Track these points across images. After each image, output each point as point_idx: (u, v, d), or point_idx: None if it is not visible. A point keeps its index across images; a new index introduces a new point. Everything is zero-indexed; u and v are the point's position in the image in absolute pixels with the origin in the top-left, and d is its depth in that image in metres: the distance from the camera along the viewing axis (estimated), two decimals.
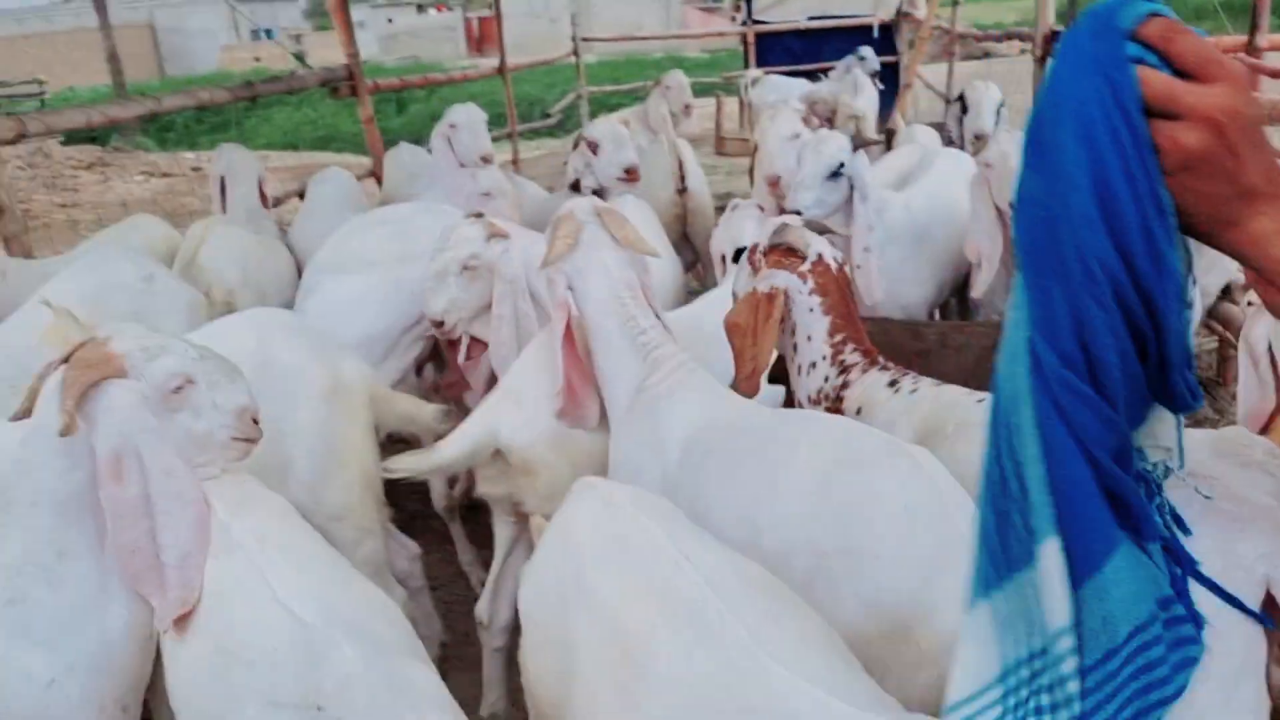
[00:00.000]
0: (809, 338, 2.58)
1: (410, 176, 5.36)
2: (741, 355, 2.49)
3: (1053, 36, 5.82)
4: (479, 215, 3.15)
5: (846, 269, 2.72)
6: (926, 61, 13.74)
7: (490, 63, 10.18)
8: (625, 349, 2.40)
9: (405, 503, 4.16)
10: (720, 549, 1.59)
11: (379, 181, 6.64)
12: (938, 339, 3.76)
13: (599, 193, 4.30)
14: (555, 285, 2.48)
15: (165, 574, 1.62)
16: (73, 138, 18.65)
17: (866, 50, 8.31)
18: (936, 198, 4.06)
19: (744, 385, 2.43)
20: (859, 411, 2.52)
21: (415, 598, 3.06)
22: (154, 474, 1.67)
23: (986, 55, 17.72)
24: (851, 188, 3.56)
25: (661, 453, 2.24)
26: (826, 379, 2.60)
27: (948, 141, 5.18)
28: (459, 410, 3.66)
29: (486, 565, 3.76)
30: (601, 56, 26.21)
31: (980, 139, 4.97)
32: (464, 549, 3.66)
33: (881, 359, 2.68)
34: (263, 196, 4.65)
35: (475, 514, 4.27)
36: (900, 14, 10.66)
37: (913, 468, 1.81)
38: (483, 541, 3.99)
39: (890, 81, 9.83)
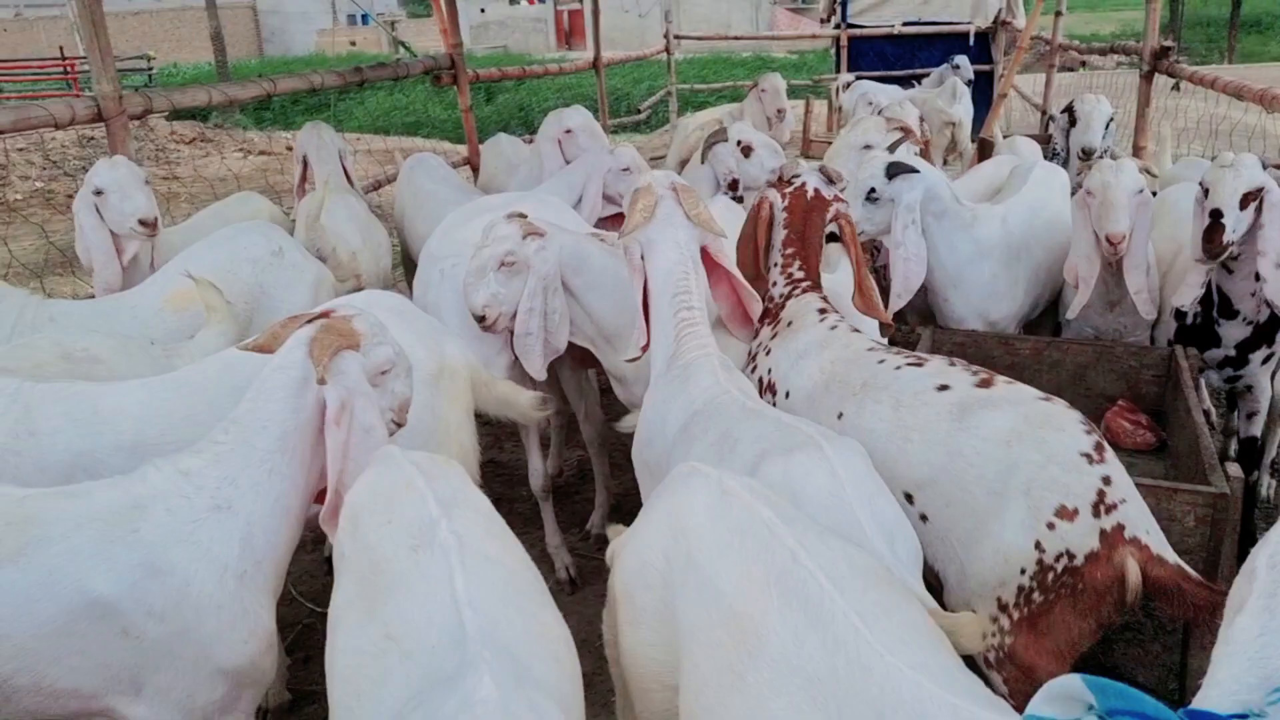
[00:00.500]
0: (771, 246, 3.14)
1: (509, 166, 5.47)
2: (743, 261, 3.08)
3: (1161, 52, 5.70)
4: (521, 215, 3.21)
5: (837, 204, 3.17)
6: (1019, 72, 13.53)
7: (583, 56, 10.28)
8: (668, 320, 2.70)
9: (491, 484, 4.28)
10: (831, 538, 1.64)
11: (474, 169, 6.79)
12: (1031, 353, 3.74)
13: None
14: (631, 253, 2.79)
15: (339, 495, 2.01)
16: (176, 114, 19.34)
17: (961, 59, 8.23)
18: (1035, 213, 4.02)
19: (755, 284, 2.99)
20: (790, 324, 2.94)
21: None
22: (357, 427, 2.07)
23: (1084, 65, 17.33)
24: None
25: (665, 425, 2.52)
26: (775, 284, 3.10)
27: (1051, 155, 5.08)
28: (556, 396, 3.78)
29: (573, 550, 3.87)
30: (688, 54, 26.24)
31: (1088, 153, 4.90)
32: (552, 532, 3.75)
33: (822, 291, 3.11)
34: (346, 174, 4.87)
35: (565, 497, 4.39)
36: (999, 22, 10.50)
37: (822, 459, 2.06)
38: (569, 525, 4.10)
39: (984, 91, 9.71)
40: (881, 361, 2.63)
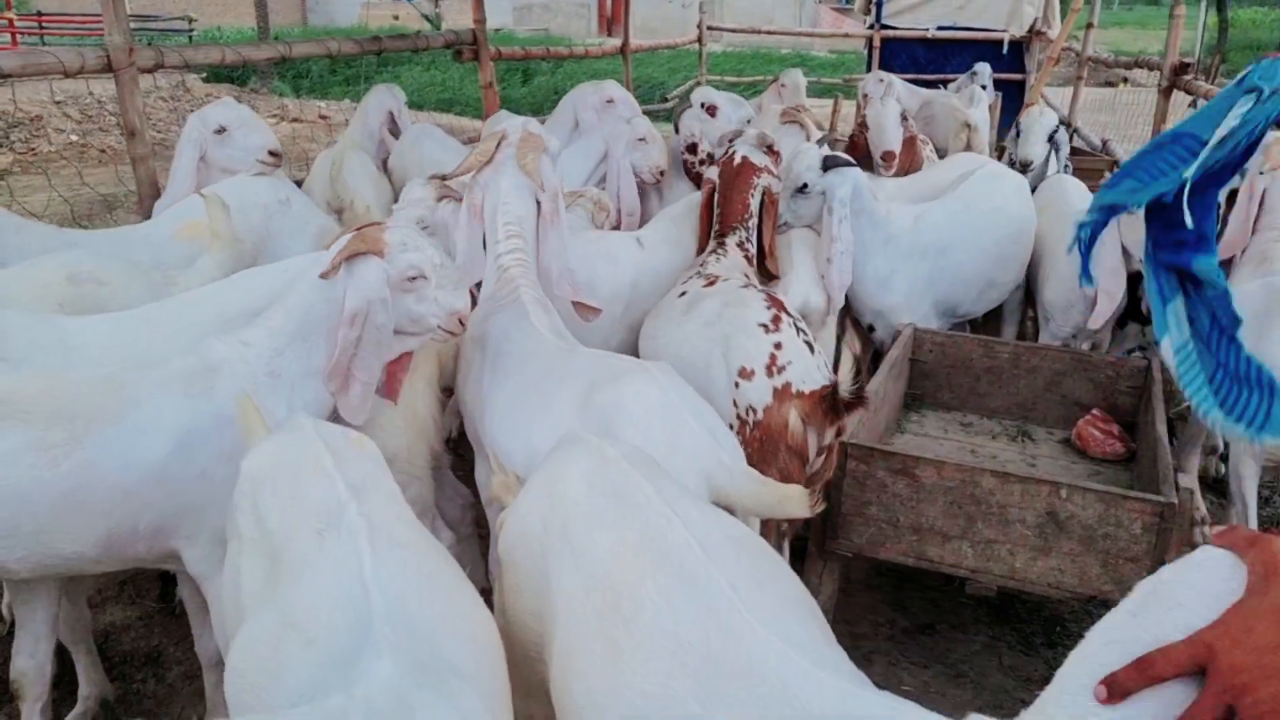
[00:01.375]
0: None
1: None
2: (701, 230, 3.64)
3: (1181, 68, 5.65)
4: (439, 177, 3.19)
5: (767, 175, 3.54)
6: (1058, 84, 13.37)
7: (614, 42, 10.29)
8: (492, 260, 2.92)
9: (467, 452, 4.32)
10: (707, 509, 1.67)
11: None
12: (1010, 358, 3.75)
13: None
14: (473, 195, 2.98)
15: (351, 389, 2.39)
16: (215, 76, 19.51)
17: (981, 66, 8.17)
18: (962, 215, 4.01)
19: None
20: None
21: (463, 544, 3.19)
22: (369, 330, 2.37)
23: (1125, 82, 17.08)
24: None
25: (483, 352, 2.73)
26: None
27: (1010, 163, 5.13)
28: None
29: None
30: (728, 47, 26.11)
31: (1024, 166, 4.90)
32: None
33: (739, 251, 3.43)
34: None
35: None
36: (1034, 32, 10.39)
37: (649, 378, 2.33)
38: None
39: (1015, 99, 9.62)
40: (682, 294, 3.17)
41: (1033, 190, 4.73)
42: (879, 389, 3.33)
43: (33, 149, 13.35)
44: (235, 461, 2.03)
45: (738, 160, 3.53)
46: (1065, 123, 5.34)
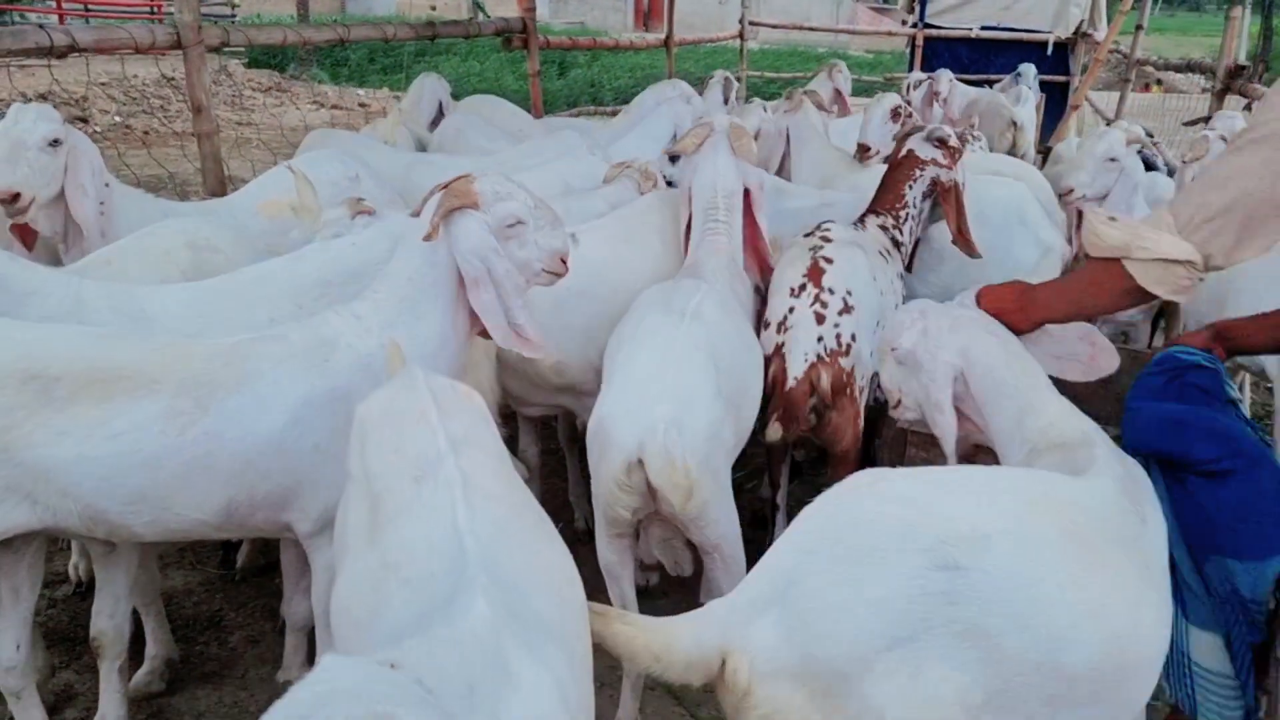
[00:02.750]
0: None
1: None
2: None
3: (1236, 71, 5.60)
4: (358, 199, 3.10)
5: (921, 166, 3.68)
6: (1101, 87, 13.26)
7: (657, 36, 10.32)
8: (696, 232, 3.25)
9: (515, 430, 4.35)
10: (490, 456, 1.78)
11: None
12: None
13: None
14: (683, 176, 3.39)
15: (525, 336, 2.42)
16: (255, 62, 19.70)
17: (1026, 67, 8.12)
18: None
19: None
20: None
21: None
22: (499, 275, 2.39)
23: (1158, 84, 16.93)
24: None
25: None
26: None
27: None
28: None
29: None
30: (765, 44, 26.05)
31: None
32: (575, 482, 3.83)
33: (879, 230, 3.61)
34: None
35: None
36: (1079, 34, 10.32)
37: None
38: None
39: (1059, 101, 9.56)
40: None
41: None
42: None
43: (80, 130, 13.54)
44: (347, 437, 2.08)
45: (901, 153, 3.65)
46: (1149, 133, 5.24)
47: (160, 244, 2.96)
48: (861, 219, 3.62)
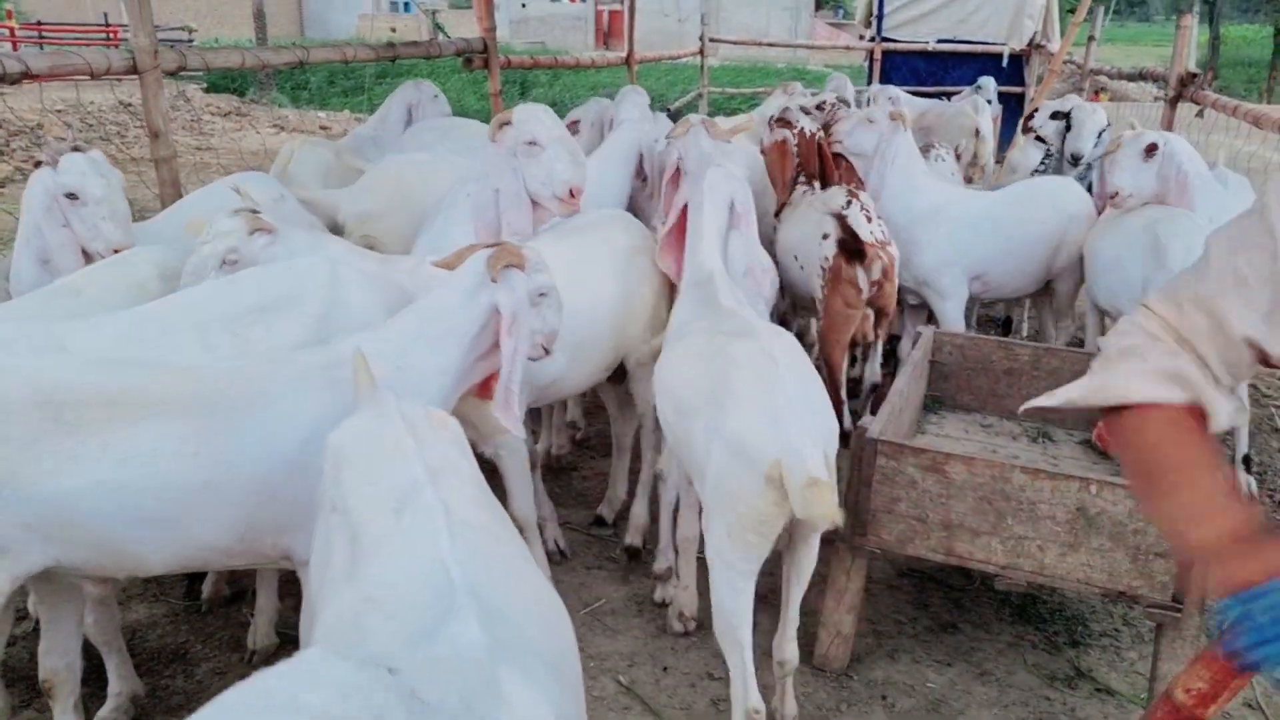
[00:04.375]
0: None
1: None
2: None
3: (1188, 79, 5.72)
4: (251, 211, 3.04)
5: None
6: (1055, 97, 13.49)
7: (618, 54, 10.36)
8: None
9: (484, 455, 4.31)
10: (467, 482, 1.76)
11: None
12: (1030, 359, 3.79)
13: None
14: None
15: (510, 400, 2.54)
16: (214, 86, 19.55)
17: (986, 80, 8.24)
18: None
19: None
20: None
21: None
22: (521, 335, 2.56)
23: (1103, 91, 17.25)
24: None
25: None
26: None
27: (1044, 157, 5.21)
28: None
29: (565, 524, 3.92)
30: (725, 61, 26.24)
31: (1076, 159, 4.98)
32: (540, 503, 3.79)
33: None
34: None
35: (563, 473, 4.46)
36: (1033, 45, 10.49)
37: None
38: (568, 500, 4.15)
39: (1015, 112, 9.70)
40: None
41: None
42: (901, 390, 3.36)
43: (33, 157, 13.33)
44: None
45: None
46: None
47: (133, 274, 2.90)
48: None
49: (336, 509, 1.76)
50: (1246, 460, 4.16)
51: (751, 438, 2.39)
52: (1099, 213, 4.53)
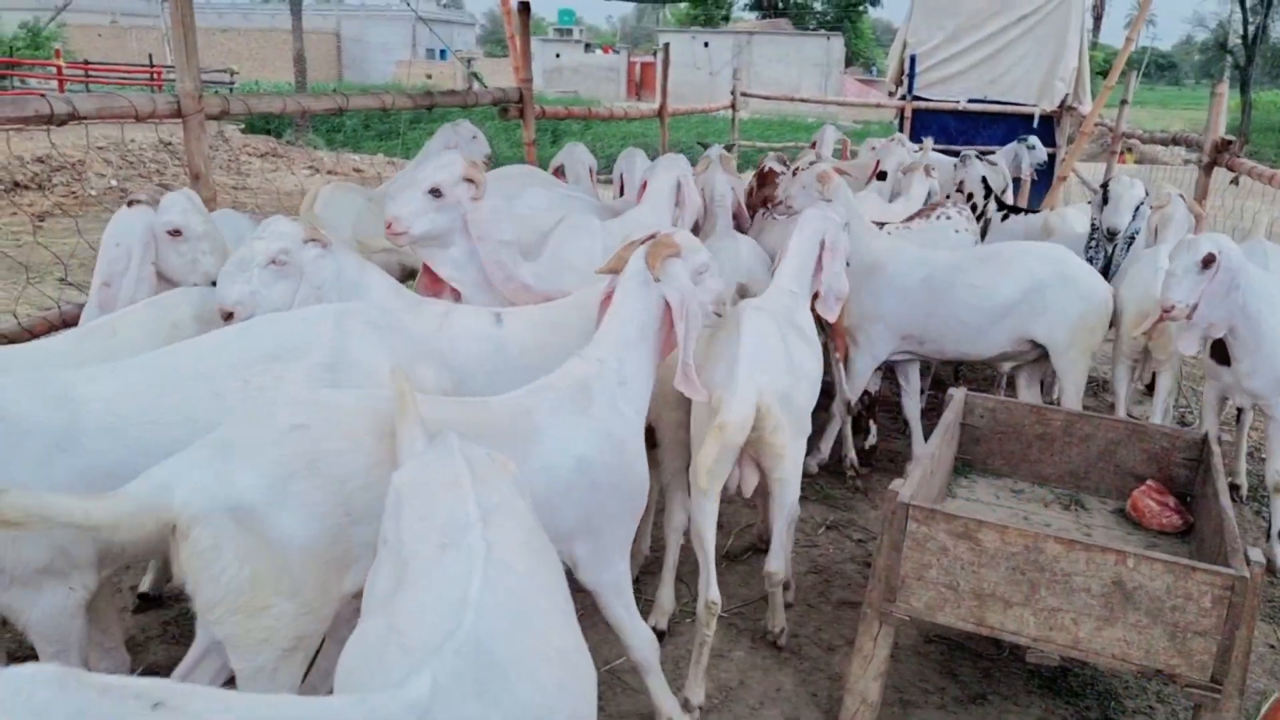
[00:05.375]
0: None
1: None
2: None
3: (1223, 145, 5.69)
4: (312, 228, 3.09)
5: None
6: (1084, 159, 13.49)
7: (650, 105, 10.46)
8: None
9: None
10: (523, 520, 1.77)
11: None
12: (1063, 425, 3.73)
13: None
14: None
15: (689, 368, 2.75)
16: (252, 128, 19.94)
17: (1034, 139, 8.24)
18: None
19: None
20: None
21: None
22: (693, 315, 2.77)
23: (1129, 151, 17.27)
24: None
25: None
26: None
27: (1091, 231, 5.13)
28: None
29: None
30: (756, 114, 26.51)
31: (1112, 234, 4.91)
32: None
33: None
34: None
35: None
36: (1064, 107, 10.52)
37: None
38: None
39: (1045, 173, 9.70)
40: None
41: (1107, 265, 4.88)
42: (932, 453, 3.32)
43: (74, 193, 13.60)
44: (619, 467, 2.55)
45: None
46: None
47: (168, 316, 2.92)
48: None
49: (388, 541, 1.79)
50: None
51: (711, 386, 2.96)
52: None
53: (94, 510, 1.89)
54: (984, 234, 6.05)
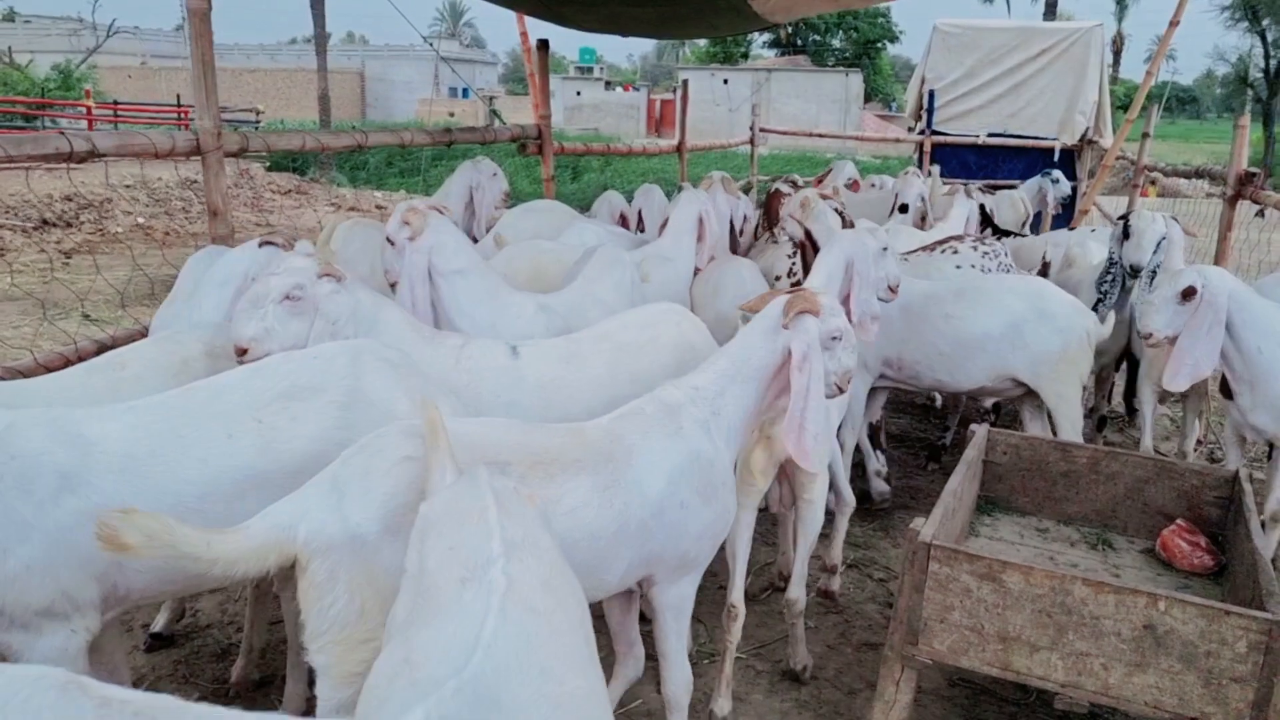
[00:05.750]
0: None
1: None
2: None
3: (1247, 178, 5.62)
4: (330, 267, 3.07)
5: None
6: (1106, 192, 13.43)
7: (670, 142, 10.51)
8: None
9: None
10: (545, 555, 1.73)
11: None
12: (1089, 463, 3.65)
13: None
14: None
15: (804, 438, 2.70)
16: (276, 165, 20.18)
17: (1058, 173, 8.20)
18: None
19: None
20: None
21: None
22: (815, 376, 2.75)
23: (1152, 185, 17.21)
24: None
25: None
26: None
27: (1109, 264, 5.03)
28: None
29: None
30: (775, 150, 26.61)
31: (1135, 270, 4.82)
32: None
33: None
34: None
35: None
36: (1085, 140, 10.48)
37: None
38: None
39: (1068, 207, 9.65)
40: None
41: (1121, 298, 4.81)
42: (954, 490, 3.25)
43: (101, 229, 13.78)
44: (708, 491, 2.61)
45: None
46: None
47: (179, 351, 2.89)
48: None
49: (409, 572, 1.77)
50: None
51: None
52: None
53: (216, 544, 1.93)
54: None
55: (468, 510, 1.78)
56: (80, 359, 3.64)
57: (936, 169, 8.07)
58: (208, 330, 3.03)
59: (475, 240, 5.44)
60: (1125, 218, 4.97)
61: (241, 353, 2.86)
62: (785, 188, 5.75)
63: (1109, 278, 4.96)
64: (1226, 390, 3.94)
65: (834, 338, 2.84)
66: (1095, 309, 4.77)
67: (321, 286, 2.97)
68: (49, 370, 3.51)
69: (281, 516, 2.07)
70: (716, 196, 5.29)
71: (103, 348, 3.81)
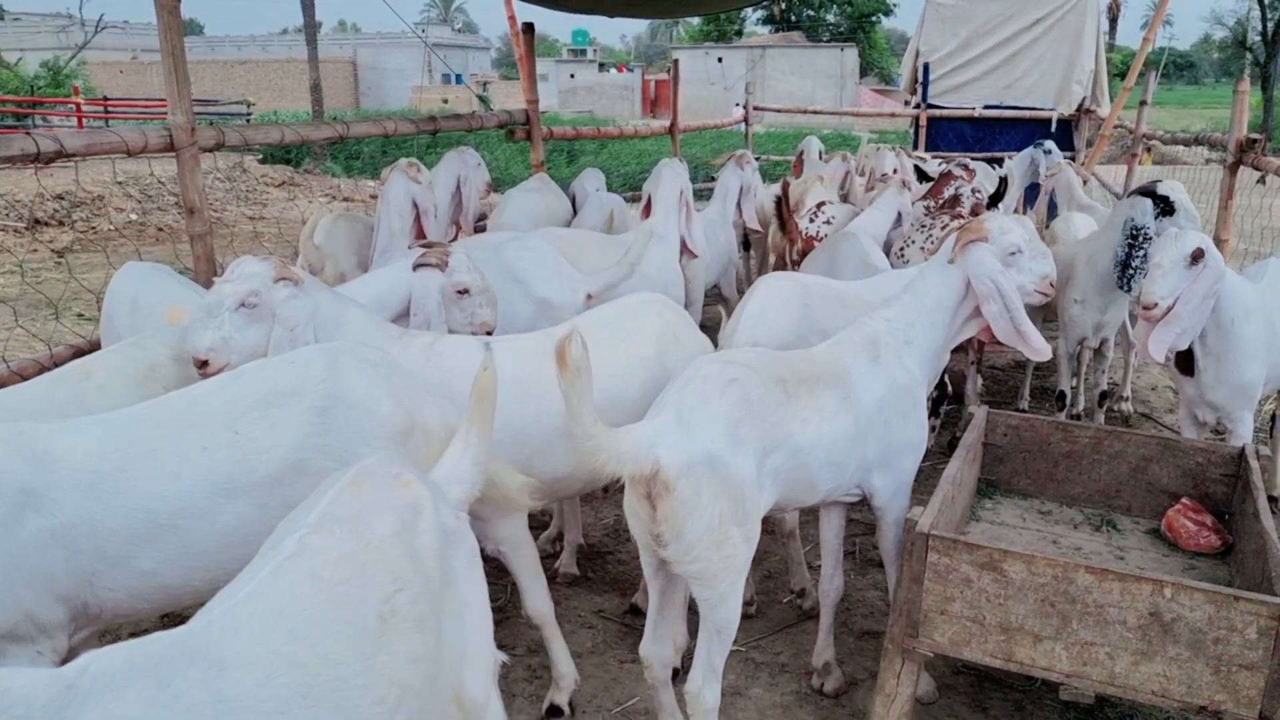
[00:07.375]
0: None
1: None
2: None
3: (1248, 144, 5.51)
4: (284, 259, 2.99)
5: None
6: (1103, 161, 13.28)
7: (661, 123, 10.38)
8: None
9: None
10: (371, 537, 1.77)
11: None
12: (1091, 442, 3.57)
13: None
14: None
15: (1026, 338, 3.02)
16: (269, 157, 20.05)
17: (1050, 144, 8.07)
18: None
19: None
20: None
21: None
22: (1008, 294, 3.01)
23: (1148, 152, 17.05)
24: None
25: None
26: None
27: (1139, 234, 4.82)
28: None
29: (600, 613, 3.73)
30: (770, 128, 26.41)
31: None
32: None
33: None
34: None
35: (598, 556, 4.27)
36: (1083, 110, 10.34)
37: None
38: (604, 588, 3.97)
39: None
40: None
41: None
42: (954, 475, 3.16)
43: (94, 227, 13.68)
44: (903, 412, 2.96)
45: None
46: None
47: (145, 357, 2.80)
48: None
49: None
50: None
51: None
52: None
53: (600, 429, 2.35)
54: None
55: (324, 486, 1.85)
56: (55, 365, 3.56)
57: (901, 149, 7.89)
58: (174, 335, 2.93)
59: (460, 229, 5.34)
60: (1155, 194, 4.71)
61: (201, 364, 2.75)
62: (958, 170, 5.67)
63: (1140, 252, 4.69)
64: (1184, 366, 3.84)
65: (1012, 253, 3.02)
66: (1123, 285, 4.70)
67: (277, 291, 2.86)
68: (24, 378, 3.43)
69: (641, 435, 2.46)
70: (724, 172, 6.12)
71: (79, 352, 3.73)
